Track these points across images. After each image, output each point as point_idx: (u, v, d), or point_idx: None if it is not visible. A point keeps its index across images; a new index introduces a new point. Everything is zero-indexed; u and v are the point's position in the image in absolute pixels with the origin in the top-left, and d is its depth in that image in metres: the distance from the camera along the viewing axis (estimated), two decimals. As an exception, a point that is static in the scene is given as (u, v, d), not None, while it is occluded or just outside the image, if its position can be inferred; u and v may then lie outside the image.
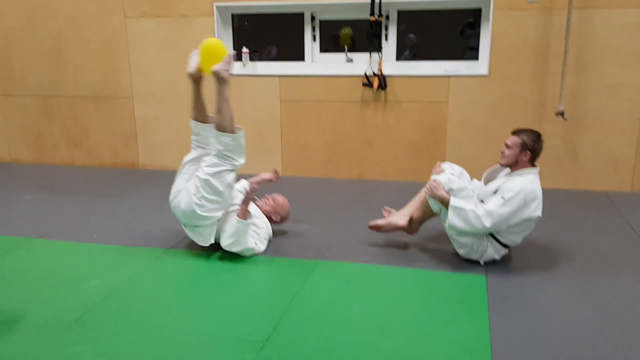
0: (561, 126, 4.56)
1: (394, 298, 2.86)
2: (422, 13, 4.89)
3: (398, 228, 3.45)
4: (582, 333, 2.50)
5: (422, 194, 3.38)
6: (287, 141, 5.17)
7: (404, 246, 3.48)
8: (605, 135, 4.54)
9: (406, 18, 4.93)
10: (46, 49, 5.43)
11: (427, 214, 3.36)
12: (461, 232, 3.10)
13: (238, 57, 5.16)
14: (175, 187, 3.30)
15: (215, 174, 3.13)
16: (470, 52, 4.89)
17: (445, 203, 3.09)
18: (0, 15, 5.43)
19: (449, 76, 4.71)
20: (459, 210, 3.02)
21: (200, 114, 3.32)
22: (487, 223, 2.98)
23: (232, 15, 5.20)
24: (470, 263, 3.22)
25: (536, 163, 3.20)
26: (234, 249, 3.25)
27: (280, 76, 5.04)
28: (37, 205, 4.41)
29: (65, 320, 2.63)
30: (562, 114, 4.40)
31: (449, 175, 3.20)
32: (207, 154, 3.24)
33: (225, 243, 3.24)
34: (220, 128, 3.14)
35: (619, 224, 3.89)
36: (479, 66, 4.73)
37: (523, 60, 4.52)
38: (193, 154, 3.33)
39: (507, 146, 3.16)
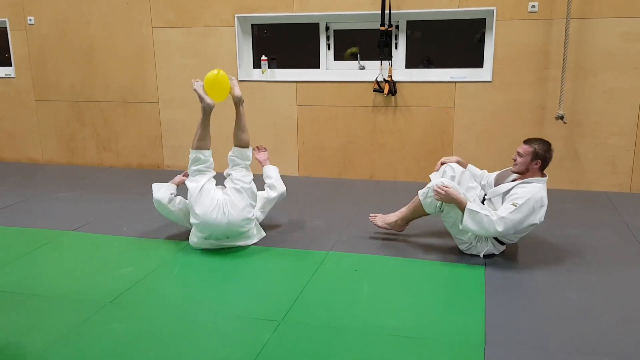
0: (562, 129, 4.76)
1: (398, 285, 3.11)
2: (430, 22, 5.12)
3: (388, 224, 3.74)
4: (571, 318, 2.71)
5: (417, 198, 3.56)
6: (303, 143, 5.44)
7: (410, 240, 3.73)
8: (604, 138, 4.73)
9: (416, 27, 5.17)
10: (78, 56, 5.77)
11: (417, 214, 3.57)
12: (474, 234, 3.31)
13: (257, 65, 5.46)
14: (203, 208, 3.44)
15: (252, 183, 3.57)
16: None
17: (461, 206, 3.24)
18: (36, 25, 5.78)
19: (455, 82, 4.95)
20: (474, 214, 3.19)
21: (207, 143, 3.59)
22: (500, 228, 3.17)
23: (252, 25, 5.49)
24: (470, 256, 3.44)
25: (545, 171, 3.38)
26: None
27: (297, 82, 5.32)
28: (70, 202, 4.75)
29: (102, 301, 2.91)
30: (562, 117, 4.61)
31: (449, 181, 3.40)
32: (212, 174, 3.60)
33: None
34: (246, 144, 3.60)
35: (615, 222, 4.08)
36: (483, 73, 4.96)
37: (524, 67, 4.74)
38: (203, 179, 3.51)
39: (519, 154, 3.33)
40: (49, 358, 2.43)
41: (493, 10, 4.70)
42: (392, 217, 3.72)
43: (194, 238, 3.61)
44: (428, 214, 3.53)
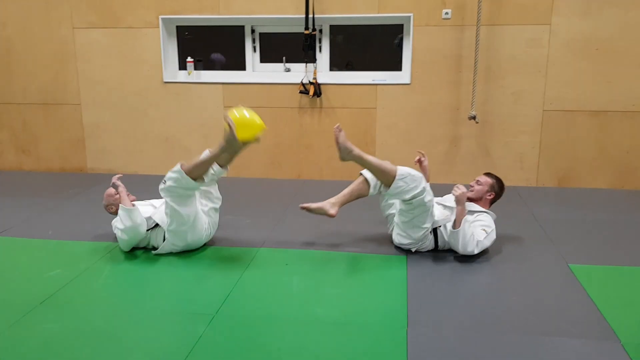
0: (474, 129, 5.11)
1: (327, 276, 3.26)
2: (352, 27, 5.34)
3: (326, 214, 3.57)
4: (485, 299, 2.98)
5: (358, 182, 3.58)
6: (230, 144, 5.48)
7: (336, 234, 3.90)
8: (513, 136, 5.12)
9: (339, 32, 5.38)
10: (-7, 57, 5.55)
11: (353, 197, 3.54)
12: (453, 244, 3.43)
13: (183, 66, 5.48)
14: (195, 236, 3.55)
15: None
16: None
17: (462, 213, 3.33)
18: (-55, 24, 5.52)
19: (376, 85, 5.19)
20: (468, 226, 3.33)
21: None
22: (476, 250, 3.37)
23: (177, 27, 5.50)
24: (394, 247, 3.64)
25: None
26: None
27: (223, 84, 5.38)
28: (-11, 207, 4.57)
29: (32, 303, 2.86)
30: (474, 118, 4.96)
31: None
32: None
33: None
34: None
35: (523, 213, 4.44)
36: (402, 76, 5.23)
37: (440, 70, 5.05)
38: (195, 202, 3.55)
39: (478, 182, 3.60)
40: (-22, 361, 2.39)
41: (410, 16, 4.97)
42: (329, 206, 3.48)
43: (167, 247, 3.54)
44: (364, 196, 3.51)
